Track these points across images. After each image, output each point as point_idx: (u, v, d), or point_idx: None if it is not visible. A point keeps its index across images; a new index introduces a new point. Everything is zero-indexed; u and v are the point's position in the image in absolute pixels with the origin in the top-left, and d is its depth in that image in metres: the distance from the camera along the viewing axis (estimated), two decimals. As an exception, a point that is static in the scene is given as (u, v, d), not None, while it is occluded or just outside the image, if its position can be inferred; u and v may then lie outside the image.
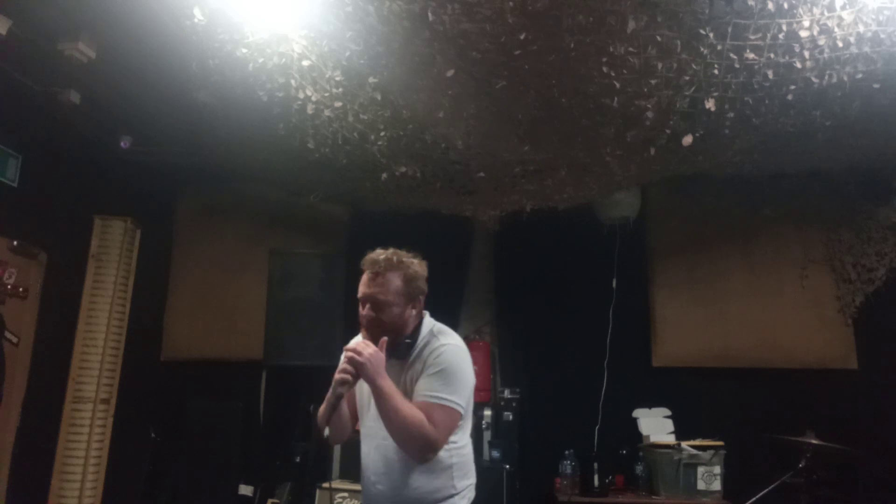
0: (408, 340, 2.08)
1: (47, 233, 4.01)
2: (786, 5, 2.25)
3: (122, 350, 4.34)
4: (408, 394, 2.03)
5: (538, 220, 4.14)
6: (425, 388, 1.99)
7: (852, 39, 2.40)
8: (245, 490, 4.28)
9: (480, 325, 4.79)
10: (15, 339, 3.81)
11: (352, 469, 3.51)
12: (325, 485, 3.91)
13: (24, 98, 3.60)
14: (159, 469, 4.37)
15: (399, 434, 1.94)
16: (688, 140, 2.99)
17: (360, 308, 2.08)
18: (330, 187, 4.28)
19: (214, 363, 4.71)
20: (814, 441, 3.39)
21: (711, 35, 2.36)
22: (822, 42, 2.39)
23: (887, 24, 2.36)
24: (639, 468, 4.24)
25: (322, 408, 2.08)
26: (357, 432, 2.23)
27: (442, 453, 2.00)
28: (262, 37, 2.70)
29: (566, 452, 4.21)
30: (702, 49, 2.42)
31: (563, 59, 2.48)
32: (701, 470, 4.03)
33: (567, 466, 4.18)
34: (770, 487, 3.34)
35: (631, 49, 2.40)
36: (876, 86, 2.68)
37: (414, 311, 2.10)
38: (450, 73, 2.61)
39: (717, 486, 4.01)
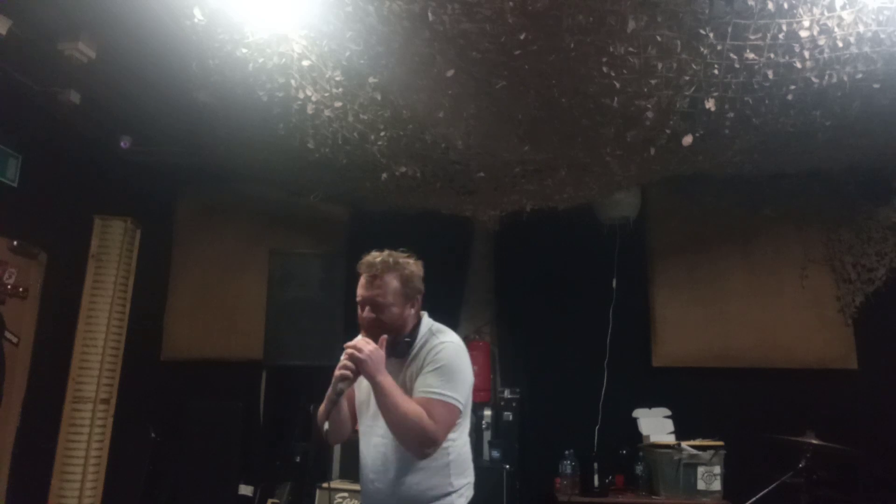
0: (407, 339, 2.11)
1: (47, 233, 4.01)
2: (786, 5, 2.25)
3: (122, 350, 4.34)
4: (407, 391, 2.05)
5: (538, 220, 4.14)
6: (425, 384, 2.02)
7: (852, 39, 2.40)
8: (245, 490, 4.28)
9: (480, 325, 4.79)
10: (15, 339, 3.81)
11: (351, 469, 3.50)
12: (325, 485, 3.91)
13: (24, 98, 3.60)
14: (159, 469, 4.37)
15: (399, 429, 1.95)
16: (688, 140, 2.99)
17: (360, 311, 2.10)
18: (330, 187, 4.28)
19: (214, 363, 4.71)
20: (814, 441, 3.39)
21: (711, 35, 2.36)
22: (822, 42, 2.39)
23: (887, 24, 2.36)
24: (639, 468, 4.24)
25: (322, 405, 2.09)
26: (357, 432, 2.24)
27: (440, 450, 2.01)
28: (262, 37, 2.70)
29: (566, 452, 4.21)
30: (702, 49, 2.42)
31: (563, 59, 2.48)
32: (701, 470, 4.03)
33: (567, 466, 4.18)
34: (770, 487, 3.34)
35: (631, 49, 2.40)
36: (876, 86, 2.68)
37: (412, 311, 2.13)
38: (450, 73, 2.61)
39: (717, 486, 4.01)
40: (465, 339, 4.74)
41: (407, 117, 3.12)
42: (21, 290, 3.85)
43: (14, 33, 3.00)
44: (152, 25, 2.95)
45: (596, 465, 4.23)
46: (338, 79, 2.89)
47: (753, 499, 3.36)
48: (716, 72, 2.53)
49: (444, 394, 1.99)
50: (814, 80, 2.58)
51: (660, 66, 2.48)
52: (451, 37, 2.38)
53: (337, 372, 1.98)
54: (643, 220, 4.69)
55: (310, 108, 3.01)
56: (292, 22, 2.67)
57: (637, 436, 4.38)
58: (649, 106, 2.74)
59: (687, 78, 2.57)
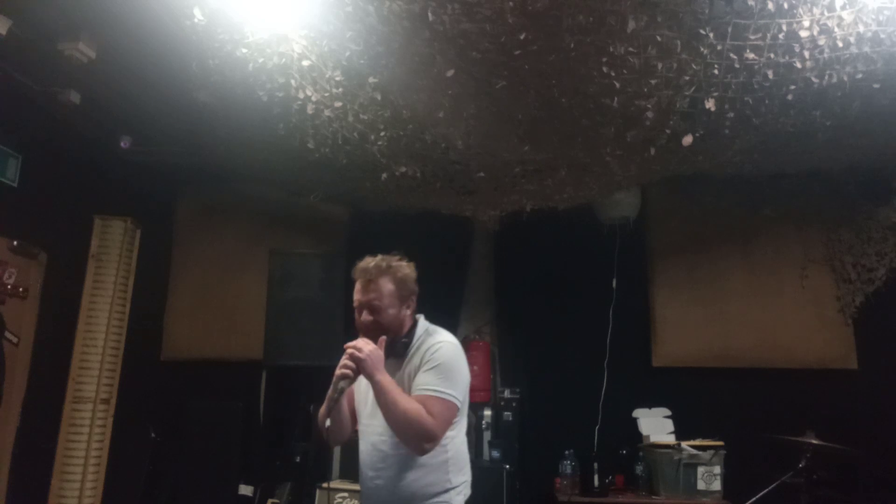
0: (404, 340, 2.17)
1: (47, 233, 4.01)
2: (786, 5, 2.25)
3: (122, 350, 4.34)
4: (406, 390, 2.09)
5: (538, 220, 4.14)
6: (422, 382, 2.06)
7: (852, 39, 2.40)
8: (245, 490, 4.28)
9: (480, 325, 4.79)
10: (15, 339, 3.81)
11: (351, 469, 3.50)
12: (325, 485, 3.92)
13: (24, 98, 3.60)
14: (159, 469, 4.37)
15: (398, 426, 2.00)
16: (688, 140, 2.99)
17: (357, 315, 2.16)
18: (330, 187, 4.28)
19: (214, 363, 4.71)
20: (814, 441, 3.39)
21: (711, 35, 2.36)
22: (822, 42, 2.39)
23: (887, 24, 2.35)
24: (639, 468, 4.24)
25: (323, 406, 2.13)
26: (357, 433, 2.27)
27: (437, 448, 2.05)
28: (262, 37, 2.70)
29: (566, 452, 4.22)
30: (702, 49, 2.42)
31: (563, 59, 2.48)
32: (701, 470, 4.03)
33: (567, 466, 4.18)
34: (770, 487, 3.35)
35: (631, 49, 2.40)
36: (876, 86, 2.68)
37: (408, 311, 2.20)
38: (450, 73, 2.60)
39: (717, 486, 4.01)
40: (465, 339, 4.80)
41: (407, 117, 3.12)
42: (21, 290, 3.85)
43: (14, 33, 3.00)
44: (152, 25, 2.95)
45: (596, 465, 4.23)
46: (338, 79, 2.89)
47: (753, 499, 3.36)
48: (716, 72, 2.53)
49: (441, 391, 2.04)
50: (814, 80, 2.58)
51: (660, 66, 2.48)
52: (451, 37, 2.38)
53: (338, 371, 2.02)
54: (643, 220, 4.69)
55: (310, 108, 3.01)
56: (292, 22, 2.67)
57: (637, 436, 4.38)
58: (649, 106, 2.74)
59: (687, 78, 2.57)
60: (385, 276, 2.13)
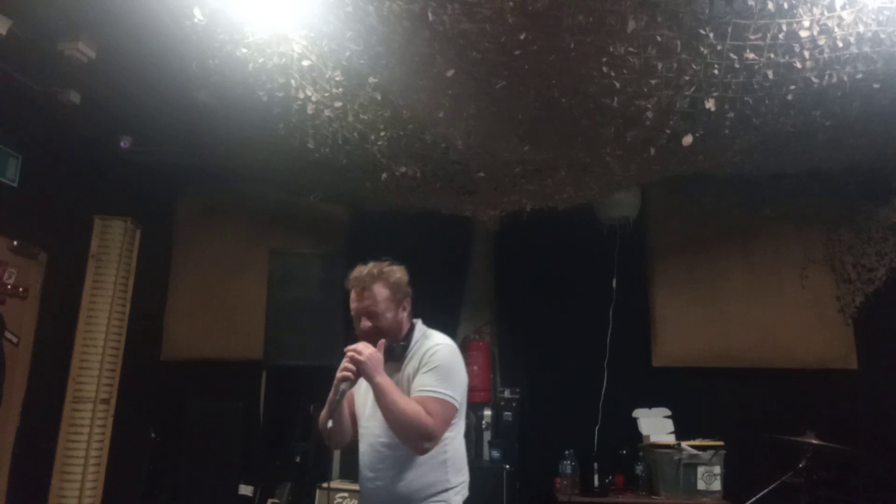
0: (402, 343, 2.23)
1: (47, 233, 4.01)
2: (786, 5, 2.25)
3: (122, 350, 4.34)
4: (405, 392, 2.13)
5: (538, 220, 4.14)
6: (421, 384, 2.11)
7: (852, 39, 2.40)
8: (245, 490, 4.28)
9: (480, 325, 4.79)
10: (15, 339, 3.81)
11: (351, 469, 3.51)
12: (325, 485, 3.92)
13: (24, 98, 3.60)
14: (159, 469, 4.37)
15: (398, 425, 2.03)
16: (688, 140, 2.99)
17: (356, 323, 2.22)
18: (330, 187, 4.28)
19: (214, 363, 4.71)
20: (814, 441, 3.39)
21: (711, 35, 2.36)
22: (822, 42, 2.39)
23: (887, 24, 2.35)
24: (639, 468, 4.24)
25: (324, 409, 2.17)
26: (358, 436, 2.30)
27: (436, 448, 2.09)
28: (262, 37, 2.70)
29: (566, 452, 4.22)
30: (702, 49, 2.42)
31: (563, 59, 2.48)
32: (701, 470, 4.03)
33: (567, 466, 4.18)
34: (770, 487, 3.35)
35: (631, 49, 2.40)
36: (876, 86, 2.68)
37: (404, 314, 2.26)
38: (450, 73, 2.61)
39: (717, 486, 4.01)
40: (465, 339, 4.80)
41: (407, 117, 3.12)
42: (21, 290, 3.85)
43: (14, 33, 3.00)
44: (152, 25, 2.95)
45: (596, 465, 4.23)
46: (338, 79, 2.89)
47: (753, 499, 3.36)
48: (716, 72, 2.53)
49: (440, 391, 2.08)
50: (814, 80, 2.58)
51: (660, 66, 2.48)
52: (451, 37, 2.38)
53: (339, 374, 2.07)
54: (643, 220, 4.69)
55: (310, 108, 3.01)
56: (292, 22, 2.67)
57: (637, 436, 4.38)
58: (649, 106, 2.74)
59: (687, 78, 2.57)
60: (378, 281, 2.20)
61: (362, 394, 2.26)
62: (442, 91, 2.79)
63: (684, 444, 4.06)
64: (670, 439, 4.22)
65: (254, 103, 3.07)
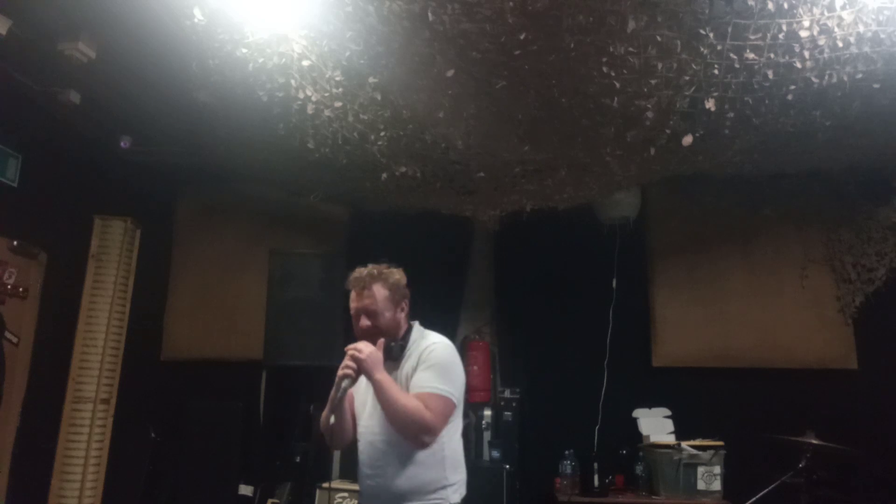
0: (401, 343, 2.29)
1: (47, 233, 4.01)
2: (786, 5, 2.25)
3: (122, 350, 4.34)
4: (403, 389, 2.18)
5: (538, 220, 4.14)
6: (420, 381, 2.16)
7: (852, 39, 2.40)
8: (245, 490, 4.28)
9: (480, 325, 4.79)
10: (15, 339, 3.81)
11: (351, 469, 3.50)
12: (325, 485, 3.92)
13: (24, 98, 3.59)
14: (159, 469, 4.37)
15: (398, 419, 2.09)
16: (688, 140, 2.99)
17: (355, 323, 2.28)
18: (330, 187, 4.28)
19: (214, 363, 4.70)
20: (814, 441, 3.39)
21: (711, 35, 2.36)
22: (822, 42, 2.39)
23: (887, 24, 2.35)
24: (639, 468, 4.24)
25: (326, 408, 2.22)
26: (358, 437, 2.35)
27: (434, 445, 2.14)
28: (262, 37, 2.70)
29: (566, 452, 4.22)
30: (702, 49, 2.42)
31: (563, 59, 2.48)
32: (701, 470, 4.03)
33: (567, 466, 4.18)
34: (770, 487, 3.35)
35: (631, 49, 2.40)
36: (876, 86, 2.68)
37: (402, 315, 2.32)
38: (450, 73, 2.61)
39: (717, 486, 4.01)
40: (465, 339, 4.80)
41: (407, 117, 3.12)
42: (21, 290, 3.85)
43: (14, 33, 3.00)
44: (152, 25, 2.95)
45: (596, 465, 4.23)
46: (338, 79, 2.89)
47: (753, 499, 3.36)
48: (716, 72, 2.53)
49: (438, 387, 2.13)
50: (814, 80, 2.58)
51: (660, 66, 2.48)
52: (451, 37, 2.38)
53: (340, 372, 2.12)
54: (643, 220, 4.69)
55: (310, 108, 3.01)
56: (292, 22, 2.67)
57: (637, 436, 4.38)
58: (649, 106, 2.74)
59: (687, 78, 2.57)
60: (378, 282, 2.27)
61: (361, 393, 2.31)
62: (442, 91, 2.79)
63: (684, 444, 4.07)
64: (670, 439, 4.22)
65: (254, 103, 3.07)
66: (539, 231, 4.43)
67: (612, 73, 2.52)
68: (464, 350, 4.48)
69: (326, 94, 2.97)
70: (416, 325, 2.36)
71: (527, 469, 4.35)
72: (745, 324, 4.43)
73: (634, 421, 4.43)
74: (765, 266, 4.53)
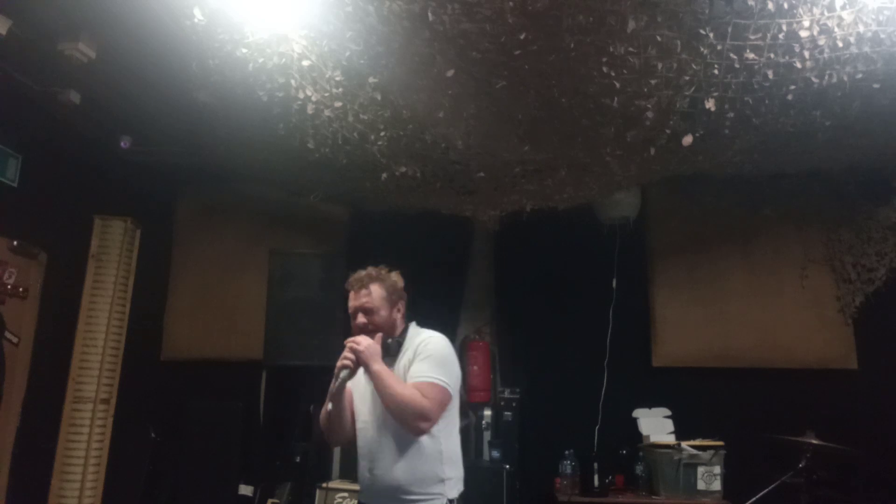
0: (398, 340, 2.37)
1: (47, 233, 4.01)
2: (786, 5, 2.25)
3: (122, 350, 4.34)
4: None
5: (538, 220, 4.14)
6: (416, 371, 2.23)
7: (852, 39, 2.40)
8: (245, 490, 4.28)
9: (480, 325, 4.79)
10: (15, 339, 3.81)
11: (351, 469, 3.51)
12: (325, 485, 3.92)
13: (24, 98, 3.59)
14: (159, 469, 4.37)
15: (396, 406, 2.14)
16: (688, 140, 2.99)
17: (353, 321, 2.36)
18: (330, 187, 4.28)
19: (214, 363, 4.70)
20: (814, 441, 3.40)
21: (711, 35, 2.36)
22: (822, 42, 2.39)
23: (887, 24, 2.35)
24: (639, 468, 4.24)
25: (326, 402, 2.27)
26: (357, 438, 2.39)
27: (431, 439, 2.20)
28: (262, 37, 2.70)
29: (566, 452, 4.22)
30: (702, 49, 2.42)
31: (563, 59, 2.48)
32: (701, 470, 4.03)
33: (567, 466, 4.18)
34: (770, 487, 3.35)
35: (631, 49, 2.40)
36: (876, 86, 2.68)
37: (399, 315, 2.41)
38: (450, 73, 2.61)
39: (717, 486, 4.01)
40: (465, 339, 4.80)
41: (407, 117, 3.12)
42: (21, 290, 3.85)
43: (14, 33, 3.00)
44: (152, 25, 2.95)
45: (596, 465, 4.23)
46: (338, 79, 2.89)
47: (753, 499, 3.36)
48: (716, 72, 2.53)
49: (433, 376, 2.20)
50: (814, 80, 2.58)
51: (660, 66, 2.48)
52: (451, 37, 2.38)
53: (339, 363, 2.20)
54: (643, 220, 4.68)
55: (310, 108, 3.01)
56: (292, 22, 2.67)
57: (637, 436, 4.38)
58: (649, 106, 2.74)
59: (687, 78, 2.57)
60: (375, 282, 2.37)
61: (360, 389, 2.37)
62: (442, 91, 2.79)
63: (684, 444, 4.07)
64: (670, 439, 4.22)
65: (254, 103, 3.07)
66: (539, 231, 4.43)
67: (612, 73, 2.52)
68: (464, 350, 4.48)
69: (326, 94, 2.97)
70: (413, 325, 2.43)
71: (527, 469, 4.35)
72: (745, 324, 4.43)
73: (634, 421, 4.42)
74: (765, 266, 4.53)
